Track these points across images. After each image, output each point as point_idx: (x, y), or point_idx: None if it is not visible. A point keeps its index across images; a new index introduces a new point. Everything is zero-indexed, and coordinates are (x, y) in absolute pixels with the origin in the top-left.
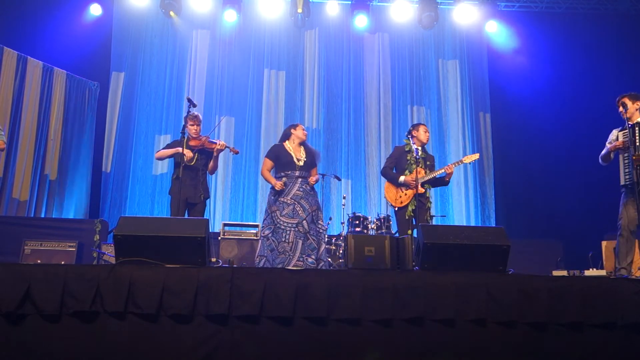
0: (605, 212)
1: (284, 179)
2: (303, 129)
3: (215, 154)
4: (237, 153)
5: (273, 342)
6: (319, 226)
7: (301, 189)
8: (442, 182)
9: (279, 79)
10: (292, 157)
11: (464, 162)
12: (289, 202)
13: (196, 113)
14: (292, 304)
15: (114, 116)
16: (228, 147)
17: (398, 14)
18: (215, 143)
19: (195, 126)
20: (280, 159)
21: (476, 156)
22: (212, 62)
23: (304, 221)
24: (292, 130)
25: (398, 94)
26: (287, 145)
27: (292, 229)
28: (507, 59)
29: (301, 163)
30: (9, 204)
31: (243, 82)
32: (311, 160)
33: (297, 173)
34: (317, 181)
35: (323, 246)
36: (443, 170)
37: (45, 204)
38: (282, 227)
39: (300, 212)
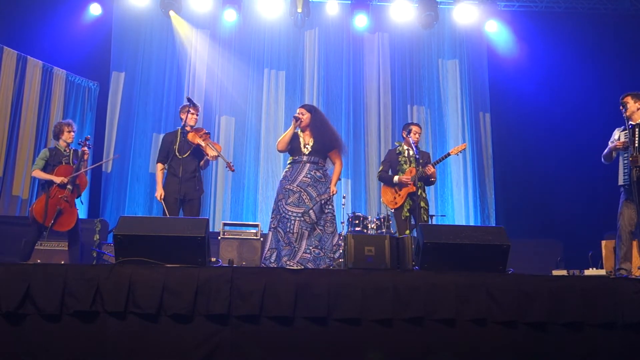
0: (605, 211)
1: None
2: (297, 112)
3: (205, 157)
4: (232, 171)
5: (273, 342)
6: (327, 211)
7: (309, 176)
8: (429, 182)
9: (279, 79)
10: (299, 142)
11: (451, 154)
12: (294, 189)
13: (197, 103)
14: (292, 304)
15: (115, 116)
16: (224, 160)
17: (398, 13)
18: (212, 149)
19: (196, 115)
20: (291, 143)
21: (463, 146)
22: (212, 62)
23: (311, 211)
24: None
25: (398, 94)
26: (299, 131)
27: (298, 218)
28: (507, 59)
29: (307, 150)
30: (9, 203)
31: (243, 82)
32: (320, 146)
33: (304, 158)
34: (335, 192)
35: (335, 237)
36: (426, 172)
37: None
38: (287, 216)
39: (306, 200)
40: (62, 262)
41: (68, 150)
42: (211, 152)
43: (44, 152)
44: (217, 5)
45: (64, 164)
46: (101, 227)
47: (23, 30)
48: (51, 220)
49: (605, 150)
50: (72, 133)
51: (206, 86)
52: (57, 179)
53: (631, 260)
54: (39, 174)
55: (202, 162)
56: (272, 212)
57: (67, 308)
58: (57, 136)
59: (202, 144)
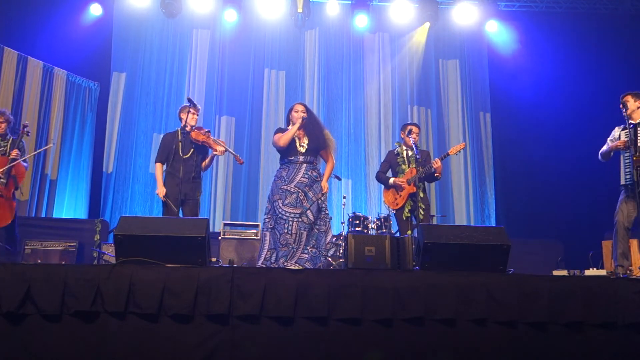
0: (606, 211)
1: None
2: (297, 110)
3: (212, 153)
4: (241, 163)
5: (273, 342)
6: (322, 209)
7: (306, 176)
8: (434, 177)
9: (279, 79)
10: (295, 142)
11: (450, 154)
12: (292, 190)
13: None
14: (292, 303)
15: (115, 116)
16: (232, 153)
17: (398, 13)
18: (219, 144)
19: (196, 116)
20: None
21: (462, 146)
22: (212, 62)
23: (309, 211)
24: (290, 116)
25: (398, 94)
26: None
27: (295, 219)
28: (507, 59)
29: (303, 149)
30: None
31: (243, 82)
32: (315, 145)
33: (300, 158)
34: (327, 189)
35: (329, 235)
36: (432, 167)
37: (46, 203)
38: (284, 217)
39: (304, 201)
40: (62, 262)
41: (5, 141)
42: (219, 148)
43: None
44: (218, 5)
45: None
46: (101, 227)
47: (23, 31)
48: None
49: (604, 148)
50: (4, 124)
51: (206, 86)
52: None
53: (629, 258)
54: None
55: (206, 162)
56: (268, 212)
57: (68, 308)
58: None
59: (208, 140)
